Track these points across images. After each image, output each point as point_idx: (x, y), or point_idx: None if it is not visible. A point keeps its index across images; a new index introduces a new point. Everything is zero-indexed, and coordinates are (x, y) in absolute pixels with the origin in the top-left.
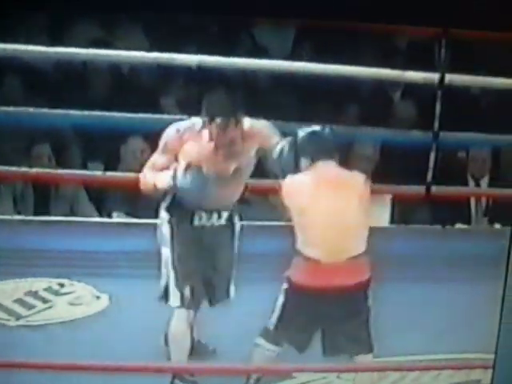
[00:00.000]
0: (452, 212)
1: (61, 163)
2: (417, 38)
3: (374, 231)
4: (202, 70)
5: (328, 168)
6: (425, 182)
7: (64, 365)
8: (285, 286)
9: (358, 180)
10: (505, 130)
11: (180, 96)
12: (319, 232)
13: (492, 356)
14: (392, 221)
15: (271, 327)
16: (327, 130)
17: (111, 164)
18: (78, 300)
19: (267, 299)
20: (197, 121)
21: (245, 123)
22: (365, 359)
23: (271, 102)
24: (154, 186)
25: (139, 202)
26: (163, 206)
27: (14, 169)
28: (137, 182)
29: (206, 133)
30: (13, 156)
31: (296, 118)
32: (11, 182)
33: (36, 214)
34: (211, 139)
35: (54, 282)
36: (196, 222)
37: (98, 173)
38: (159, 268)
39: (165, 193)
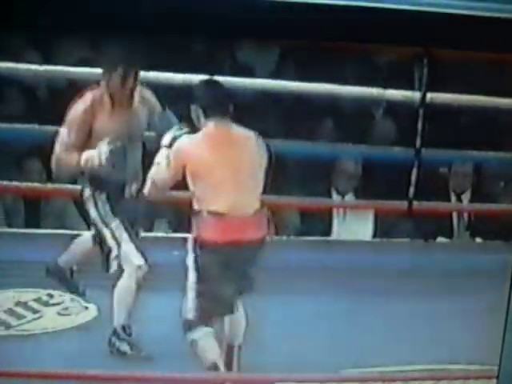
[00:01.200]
0: (434, 226)
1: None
2: (398, 56)
3: (357, 245)
4: None
5: (222, 126)
6: (407, 197)
7: (52, 374)
8: (191, 255)
9: (250, 137)
10: (485, 147)
11: None
12: (222, 187)
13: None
14: (375, 235)
15: (192, 314)
16: (221, 84)
17: None
18: (67, 310)
19: None
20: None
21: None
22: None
23: (254, 119)
24: (77, 164)
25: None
26: (87, 186)
27: (4, 183)
28: None
29: (106, 95)
30: (3, 170)
31: (279, 135)
32: (2, 196)
33: (26, 226)
34: (111, 97)
35: (43, 293)
36: (127, 194)
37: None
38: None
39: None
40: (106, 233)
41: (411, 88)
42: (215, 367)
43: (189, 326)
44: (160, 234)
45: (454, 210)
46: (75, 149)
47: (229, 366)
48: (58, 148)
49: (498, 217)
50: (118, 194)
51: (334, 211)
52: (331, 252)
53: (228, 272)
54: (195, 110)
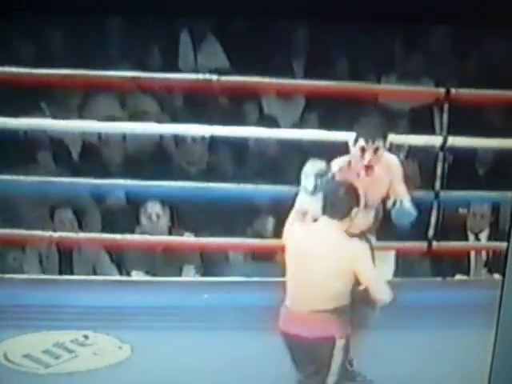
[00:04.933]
0: (452, 264)
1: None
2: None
3: None
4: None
5: (327, 226)
6: (426, 237)
7: None
8: None
9: (351, 248)
10: (502, 187)
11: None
12: (293, 281)
13: None
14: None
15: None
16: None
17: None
18: (102, 350)
19: None
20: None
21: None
22: None
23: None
24: None
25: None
26: None
27: (39, 233)
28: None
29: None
30: (38, 221)
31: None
32: (37, 245)
33: (61, 273)
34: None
35: (79, 334)
36: None
37: (118, 236)
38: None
39: None
40: None
41: (431, 133)
42: None
43: None
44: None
45: (471, 249)
46: None
47: None
48: None
49: None
50: None
51: None
52: None
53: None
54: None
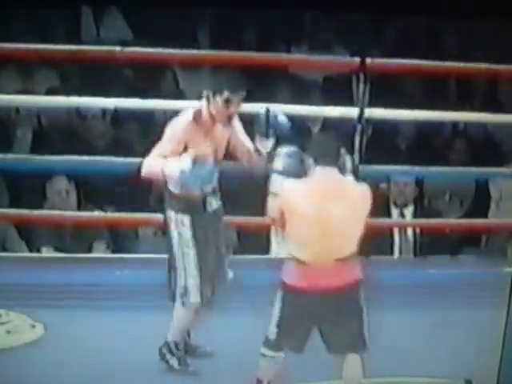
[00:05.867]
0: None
1: None
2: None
3: None
4: None
5: (328, 175)
6: None
7: None
8: (280, 291)
9: (355, 188)
10: (425, 161)
11: None
12: (308, 236)
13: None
14: None
15: (272, 336)
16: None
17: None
18: (15, 329)
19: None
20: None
21: None
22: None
23: None
24: (162, 171)
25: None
26: (169, 207)
27: None
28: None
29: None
30: None
31: None
32: None
33: None
34: (211, 117)
35: None
36: (208, 209)
37: (25, 211)
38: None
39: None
40: (179, 262)
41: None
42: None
43: (265, 342)
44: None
45: (394, 225)
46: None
47: None
48: (151, 154)
49: (443, 232)
50: (200, 215)
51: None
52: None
53: (305, 318)
54: (306, 158)
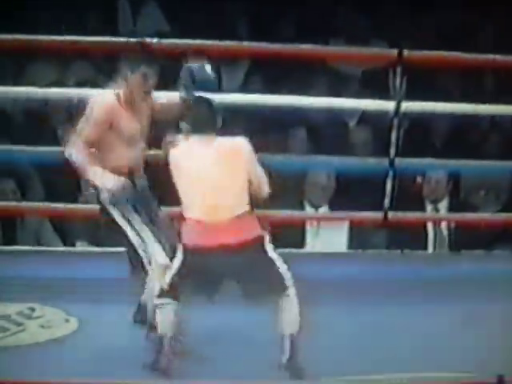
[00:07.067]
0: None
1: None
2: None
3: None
4: None
5: (205, 140)
6: (382, 207)
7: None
8: (180, 246)
9: (235, 146)
10: (462, 155)
11: None
12: (199, 195)
13: None
14: (350, 246)
15: (164, 285)
16: (209, 102)
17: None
18: (49, 323)
19: None
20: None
21: None
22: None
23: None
24: (83, 171)
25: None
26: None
27: None
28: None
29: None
30: None
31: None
32: None
33: (5, 244)
34: (130, 95)
35: (25, 307)
36: (138, 187)
37: (60, 205)
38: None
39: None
40: (131, 233)
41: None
42: (161, 339)
43: (160, 292)
44: None
45: (428, 220)
46: (90, 144)
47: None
48: (74, 138)
49: (477, 227)
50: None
51: (308, 224)
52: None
53: (207, 272)
54: (184, 126)
